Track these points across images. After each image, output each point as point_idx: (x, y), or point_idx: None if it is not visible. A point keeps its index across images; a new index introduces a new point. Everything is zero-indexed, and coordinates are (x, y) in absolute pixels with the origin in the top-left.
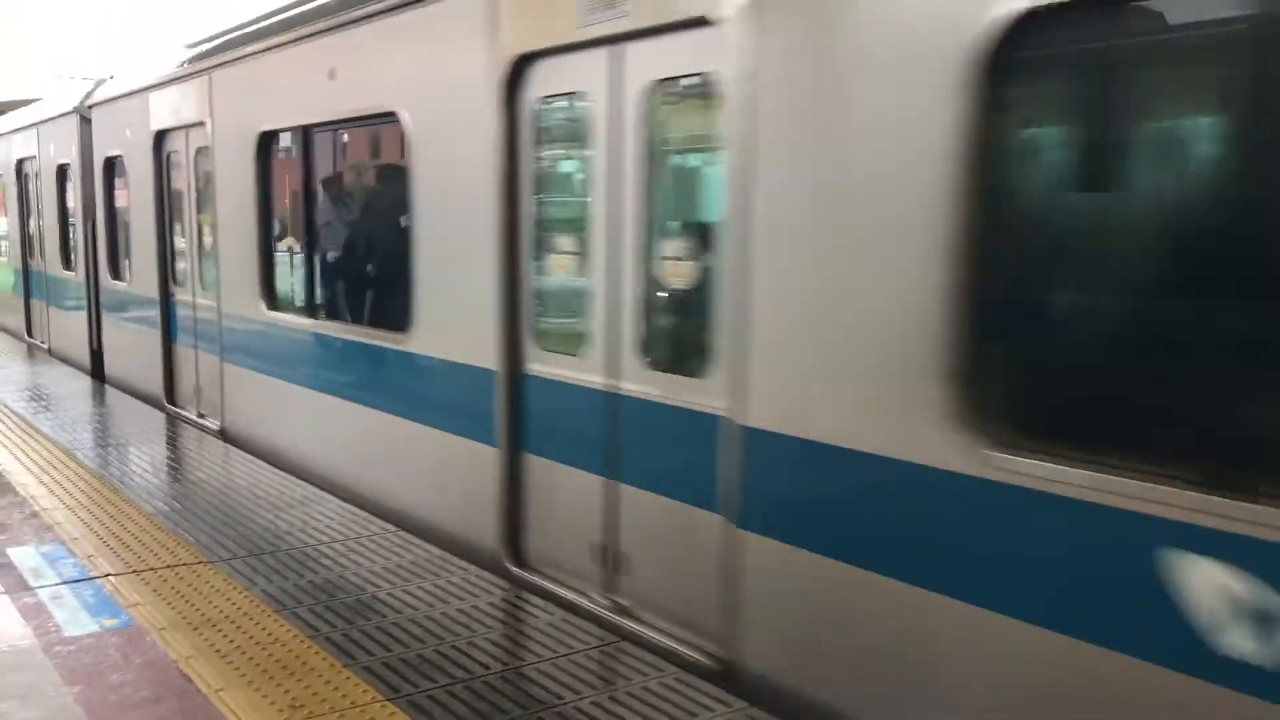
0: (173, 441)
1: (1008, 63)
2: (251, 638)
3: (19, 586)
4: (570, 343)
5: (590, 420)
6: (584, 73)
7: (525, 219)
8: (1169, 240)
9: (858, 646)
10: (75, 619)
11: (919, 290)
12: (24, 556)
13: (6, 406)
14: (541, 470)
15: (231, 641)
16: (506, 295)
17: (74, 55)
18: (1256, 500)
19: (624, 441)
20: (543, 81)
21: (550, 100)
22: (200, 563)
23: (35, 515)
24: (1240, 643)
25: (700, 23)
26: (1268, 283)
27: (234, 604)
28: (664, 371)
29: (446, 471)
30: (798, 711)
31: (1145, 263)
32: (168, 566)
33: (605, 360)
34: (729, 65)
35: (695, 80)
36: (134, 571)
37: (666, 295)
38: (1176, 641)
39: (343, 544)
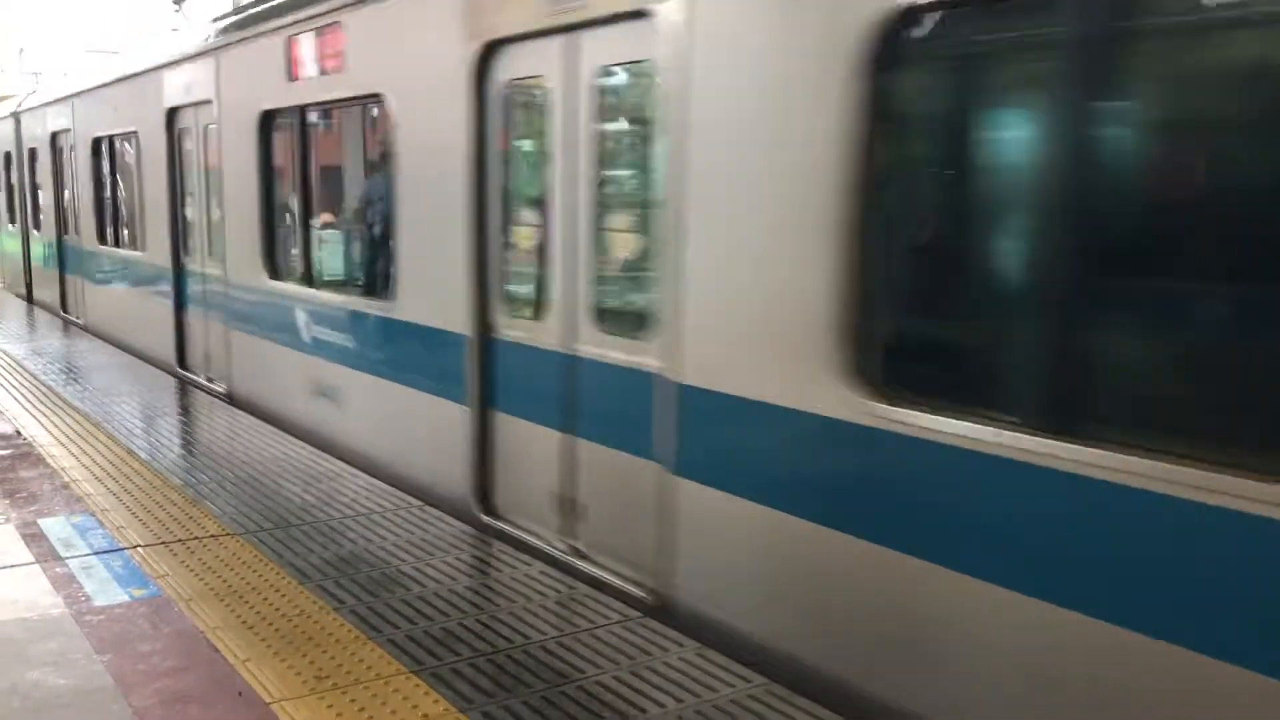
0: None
1: (264, 124)
2: (277, 609)
3: (50, 556)
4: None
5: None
6: (190, 118)
7: (181, 200)
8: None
9: (276, 385)
10: (105, 589)
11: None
12: (54, 527)
13: None
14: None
15: (258, 613)
16: (178, 225)
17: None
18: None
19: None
20: (180, 121)
21: (181, 132)
22: (227, 534)
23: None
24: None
25: (207, 102)
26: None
27: (260, 575)
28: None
29: (159, 310)
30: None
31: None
32: (195, 538)
33: (197, 258)
34: (212, 121)
35: (212, 125)
36: (163, 543)
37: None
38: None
39: (366, 518)
